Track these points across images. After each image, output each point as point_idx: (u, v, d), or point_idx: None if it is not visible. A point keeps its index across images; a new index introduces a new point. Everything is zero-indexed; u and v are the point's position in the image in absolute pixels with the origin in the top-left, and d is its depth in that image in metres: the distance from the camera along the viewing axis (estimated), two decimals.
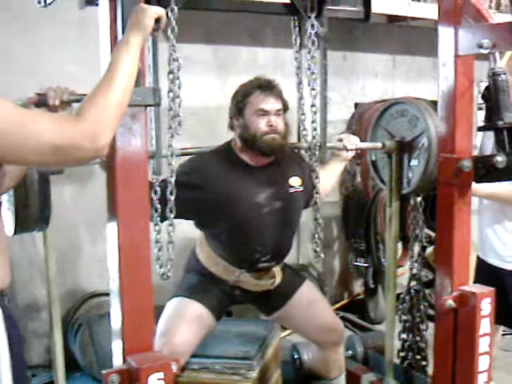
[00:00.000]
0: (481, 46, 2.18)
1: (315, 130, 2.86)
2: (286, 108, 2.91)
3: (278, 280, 3.07)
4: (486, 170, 2.35)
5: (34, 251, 3.78)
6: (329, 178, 3.16)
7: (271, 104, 2.85)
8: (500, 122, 2.30)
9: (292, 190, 2.99)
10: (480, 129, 2.52)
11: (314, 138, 2.86)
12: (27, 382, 2.16)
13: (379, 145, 3.08)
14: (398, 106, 3.16)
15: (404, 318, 3.34)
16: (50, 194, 2.20)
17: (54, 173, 2.31)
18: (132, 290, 1.94)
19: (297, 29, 2.90)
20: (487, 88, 2.38)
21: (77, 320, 4.06)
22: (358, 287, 5.55)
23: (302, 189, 3.02)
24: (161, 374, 1.85)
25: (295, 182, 3.00)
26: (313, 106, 2.78)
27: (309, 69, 2.59)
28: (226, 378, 3.00)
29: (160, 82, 2.23)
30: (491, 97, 2.34)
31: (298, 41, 2.90)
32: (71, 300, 4.19)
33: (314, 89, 2.71)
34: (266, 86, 2.88)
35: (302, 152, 3.07)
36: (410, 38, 5.57)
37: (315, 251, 2.95)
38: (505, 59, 2.91)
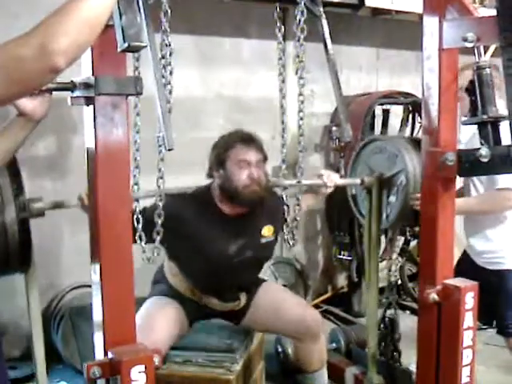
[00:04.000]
0: (465, 40, 2.17)
1: (301, 119, 2.82)
2: (265, 159, 2.97)
3: (243, 302, 3.16)
4: (469, 164, 2.34)
5: None
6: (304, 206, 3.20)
7: (252, 155, 2.90)
8: (484, 116, 2.29)
9: (264, 241, 3.07)
10: (464, 122, 2.52)
11: (301, 135, 2.84)
12: (4, 374, 2.12)
13: (358, 181, 3.18)
14: (378, 143, 3.26)
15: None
16: (30, 237, 2.15)
17: (35, 216, 2.27)
18: (113, 282, 1.93)
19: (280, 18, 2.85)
20: (471, 82, 2.38)
21: (59, 312, 4.05)
22: (341, 280, 5.56)
23: (273, 238, 3.10)
24: (142, 367, 1.84)
25: (267, 231, 3.07)
26: (300, 94, 2.74)
27: (297, 56, 2.56)
28: (209, 371, 3.00)
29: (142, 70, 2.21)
30: (475, 90, 2.34)
31: (282, 30, 2.85)
32: (53, 292, 4.18)
33: (302, 77, 2.69)
34: (248, 139, 2.94)
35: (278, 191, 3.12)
36: (394, 31, 5.59)
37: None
38: (489, 53, 2.91)
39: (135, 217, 2.20)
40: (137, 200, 2.22)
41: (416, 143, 3.09)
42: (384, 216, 3.16)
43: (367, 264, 3.30)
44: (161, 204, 2.26)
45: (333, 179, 3.08)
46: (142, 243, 2.22)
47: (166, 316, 2.93)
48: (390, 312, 3.40)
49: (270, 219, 3.08)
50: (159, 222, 2.25)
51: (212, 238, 2.93)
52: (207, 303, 3.10)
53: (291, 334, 3.31)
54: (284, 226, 3.04)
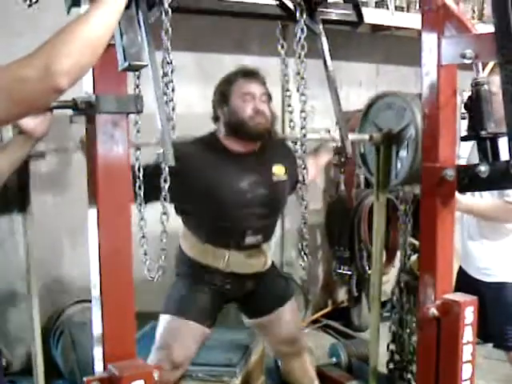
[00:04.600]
0: (464, 56, 2.19)
1: (304, 136, 2.76)
2: (270, 96, 2.93)
3: (268, 261, 3.10)
4: (469, 180, 2.35)
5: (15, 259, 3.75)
6: (312, 168, 3.12)
7: (256, 88, 2.87)
8: (483, 132, 2.31)
9: (275, 179, 2.99)
10: (463, 138, 2.53)
11: (302, 145, 2.79)
12: None
13: (367, 137, 3.06)
14: (385, 99, 3.16)
15: (393, 328, 3.37)
16: (29, 176, 2.14)
17: (34, 156, 2.24)
18: (113, 297, 1.94)
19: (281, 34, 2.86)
20: (470, 98, 2.39)
21: (59, 327, 4.04)
22: (341, 295, 5.56)
23: (285, 178, 3.02)
24: (142, 382, 1.83)
25: (279, 170, 3.00)
26: (302, 111, 2.58)
27: (298, 73, 2.56)
28: None
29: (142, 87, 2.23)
30: (474, 106, 2.36)
31: (285, 46, 2.85)
32: (53, 306, 4.17)
33: (303, 94, 2.65)
34: (249, 72, 2.91)
35: (289, 143, 3.05)
36: (393, 47, 5.61)
37: (301, 251, 2.89)
38: (487, 69, 2.93)
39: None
40: (138, 148, 2.23)
41: None
42: (394, 174, 3.08)
43: (374, 248, 3.24)
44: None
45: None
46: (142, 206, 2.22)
47: (185, 334, 2.91)
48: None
49: (280, 159, 3.01)
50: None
51: (222, 175, 2.86)
52: (232, 266, 2.99)
53: (281, 350, 3.30)
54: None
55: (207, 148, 2.91)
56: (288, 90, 2.76)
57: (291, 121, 2.78)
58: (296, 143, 2.78)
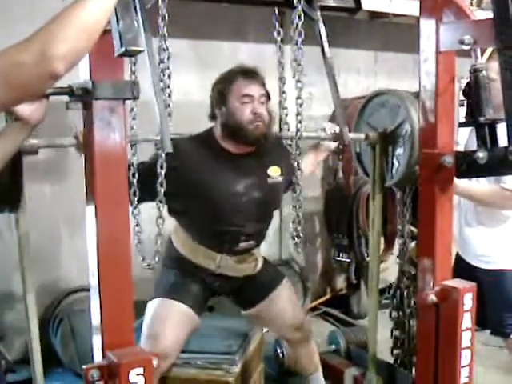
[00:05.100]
0: (462, 43, 2.18)
1: (300, 122, 2.77)
2: (268, 96, 2.88)
3: (259, 264, 3.07)
4: (467, 166, 2.35)
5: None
6: (308, 167, 3.12)
7: (255, 89, 2.81)
8: (481, 118, 2.30)
9: (270, 181, 2.95)
10: (461, 125, 2.53)
11: (298, 130, 2.79)
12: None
13: (362, 136, 3.06)
14: (379, 98, 3.16)
15: (394, 314, 3.38)
16: (22, 173, 2.12)
17: (28, 153, 2.22)
18: (111, 284, 1.93)
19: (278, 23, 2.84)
20: (468, 84, 2.39)
21: (57, 315, 4.04)
22: (340, 282, 5.57)
23: (280, 179, 2.99)
24: (141, 370, 1.84)
25: (274, 172, 2.97)
26: (298, 98, 2.62)
27: (295, 60, 2.53)
28: (208, 373, 3.00)
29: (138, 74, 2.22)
30: (472, 93, 2.35)
31: (282, 33, 2.83)
32: (52, 295, 4.18)
33: (299, 81, 2.61)
34: (249, 72, 2.84)
35: (284, 142, 3.00)
36: (391, 34, 5.59)
37: (295, 244, 2.90)
38: (486, 55, 2.92)
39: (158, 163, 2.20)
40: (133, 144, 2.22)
41: (418, 95, 2.89)
42: (390, 174, 3.08)
43: (371, 238, 3.26)
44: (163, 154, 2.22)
45: (336, 130, 2.95)
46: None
47: (173, 323, 2.86)
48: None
49: (276, 160, 2.98)
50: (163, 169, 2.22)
51: (218, 177, 2.83)
52: (222, 268, 2.97)
53: (286, 336, 3.31)
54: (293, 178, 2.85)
55: (204, 147, 2.87)
56: (282, 78, 2.75)
57: (286, 123, 2.81)
58: (291, 142, 2.81)
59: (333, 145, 3.10)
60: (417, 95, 2.80)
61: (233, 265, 2.98)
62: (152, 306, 2.93)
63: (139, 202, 2.36)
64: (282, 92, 2.85)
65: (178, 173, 2.58)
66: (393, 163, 3.08)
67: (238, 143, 2.86)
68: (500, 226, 3.19)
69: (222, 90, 2.83)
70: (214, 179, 2.82)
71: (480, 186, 3.13)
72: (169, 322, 2.85)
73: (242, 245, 2.95)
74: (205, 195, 2.82)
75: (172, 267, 3.04)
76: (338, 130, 2.95)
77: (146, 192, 2.31)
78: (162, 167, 2.21)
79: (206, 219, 2.89)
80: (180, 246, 3.02)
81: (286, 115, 2.85)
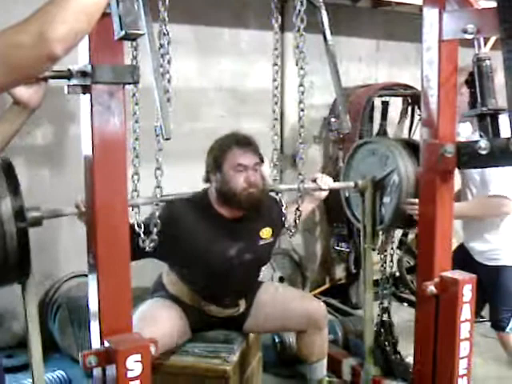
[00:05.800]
0: (465, 31, 2.17)
1: (302, 110, 2.74)
2: (261, 161, 2.95)
3: (242, 308, 3.15)
4: (468, 156, 2.34)
5: None
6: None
7: (249, 159, 2.88)
8: (484, 108, 2.29)
9: (262, 243, 3.05)
10: (464, 115, 2.51)
11: (300, 118, 2.76)
12: None
13: (352, 184, 3.19)
14: (368, 146, 3.28)
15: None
16: (29, 247, 2.11)
17: (33, 225, 2.22)
18: (110, 271, 1.93)
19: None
20: (471, 74, 2.37)
21: (56, 301, 4.04)
22: (339, 272, 5.56)
23: (271, 240, 3.08)
24: (138, 356, 1.84)
25: (266, 234, 3.06)
26: (301, 85, 2.61)
27: (297, 47, 2.52)
28: (206, 362, 2.99)
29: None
30: (475, 83, 2.33)
31: (279, 20, 2.80)
32: (50, 281, 4.18)
33: (302, 68, 2.58)
34: (244, 143, 2.91)
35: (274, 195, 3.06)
36: (394, 22, 5.57)
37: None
38: (489, 45, 2.90)
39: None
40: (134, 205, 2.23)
41: (406, 144, 3.13)
42: (379, 218, 3.17)
43: (363, 263, 3.31)
44: (157, 213, 2.26)
45: (327, 182, 3.09)
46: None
47: (167, 314, 2.94)
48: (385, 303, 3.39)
49: (268, 221, 3.06)
50: (155, 230, 2.25)
51: (211, 242, 2.91)
52: (208, 310, 3.07)
53: (295, 329, 3.32)
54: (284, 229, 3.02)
55: (199, 211, 2.94)
56: (279, 67, 2.72)
57: (275, 118, 2.82)
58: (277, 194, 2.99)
59: (324, 194, 3.17)
60: (406, 143, 3.06)
61: (219, 311, 3.10)
62: (144, 304, 3.01)
63: (139, 258, 2.45)
64: (280, 84, 2.84)
65: (171, 236, 2.70)
66: (380, 210, 3.19)
67: (232, 209, 2.95)
68: (500, 228, 3.21)
69: (217, 158, 2.91)
70: (209, 246, 2.91)
71: (468, 203, 3.18)
72: (163, 313, 2.94)
73: (229, 300, 3.10)
74: (200, 261, 2.92)
75: (159, 296, 3.10)
76: (330, 181, 3.11)
77: (139, 252, 2.29)
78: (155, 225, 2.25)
79: (199, 278, 3.02)
80: (169, 284, 3.11)
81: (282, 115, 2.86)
